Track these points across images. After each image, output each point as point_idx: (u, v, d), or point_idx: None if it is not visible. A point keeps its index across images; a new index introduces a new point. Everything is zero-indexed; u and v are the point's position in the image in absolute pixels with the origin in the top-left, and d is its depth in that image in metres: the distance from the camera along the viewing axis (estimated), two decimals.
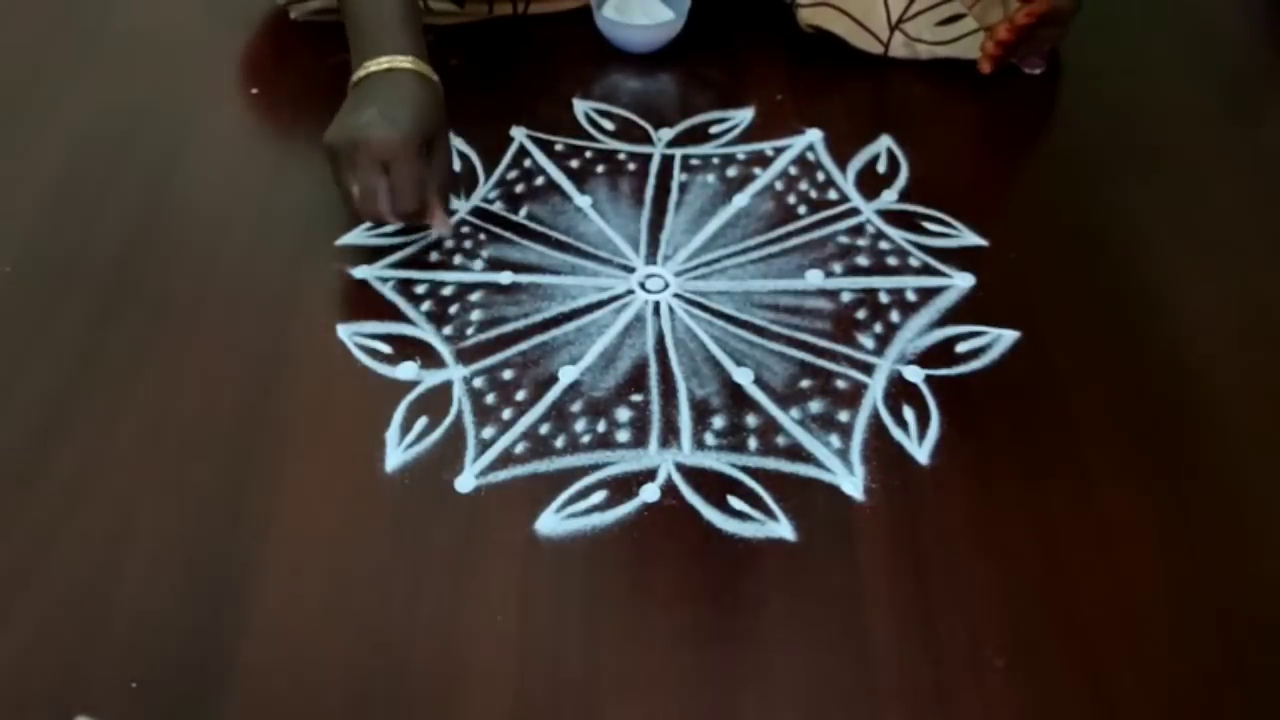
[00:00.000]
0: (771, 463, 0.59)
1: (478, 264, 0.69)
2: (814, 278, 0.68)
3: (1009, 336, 0.65)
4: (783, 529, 0.56)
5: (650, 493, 0.57)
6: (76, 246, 0.69)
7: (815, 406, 0.61)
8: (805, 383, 0.62)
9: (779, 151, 0.76)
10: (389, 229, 0.70)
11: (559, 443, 0.60)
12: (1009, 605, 0.53)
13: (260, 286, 0.67)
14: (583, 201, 0.73)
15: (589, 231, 0.71)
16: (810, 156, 0.76)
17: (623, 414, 0.61)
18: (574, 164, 0.75)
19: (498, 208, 0.72)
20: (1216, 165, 0.76)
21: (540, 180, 0.74)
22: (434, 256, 0.69)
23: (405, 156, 0.62)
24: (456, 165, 0.74)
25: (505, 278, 0.68)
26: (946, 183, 0.74)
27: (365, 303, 0.66)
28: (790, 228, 0.71)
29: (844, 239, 0.70)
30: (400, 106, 0.62)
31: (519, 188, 0.73)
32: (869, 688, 0.51)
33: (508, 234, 0.70)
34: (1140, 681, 0.51)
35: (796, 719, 0.50)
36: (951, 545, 0.56)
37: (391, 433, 0.60)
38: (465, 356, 0.64)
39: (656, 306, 0.66)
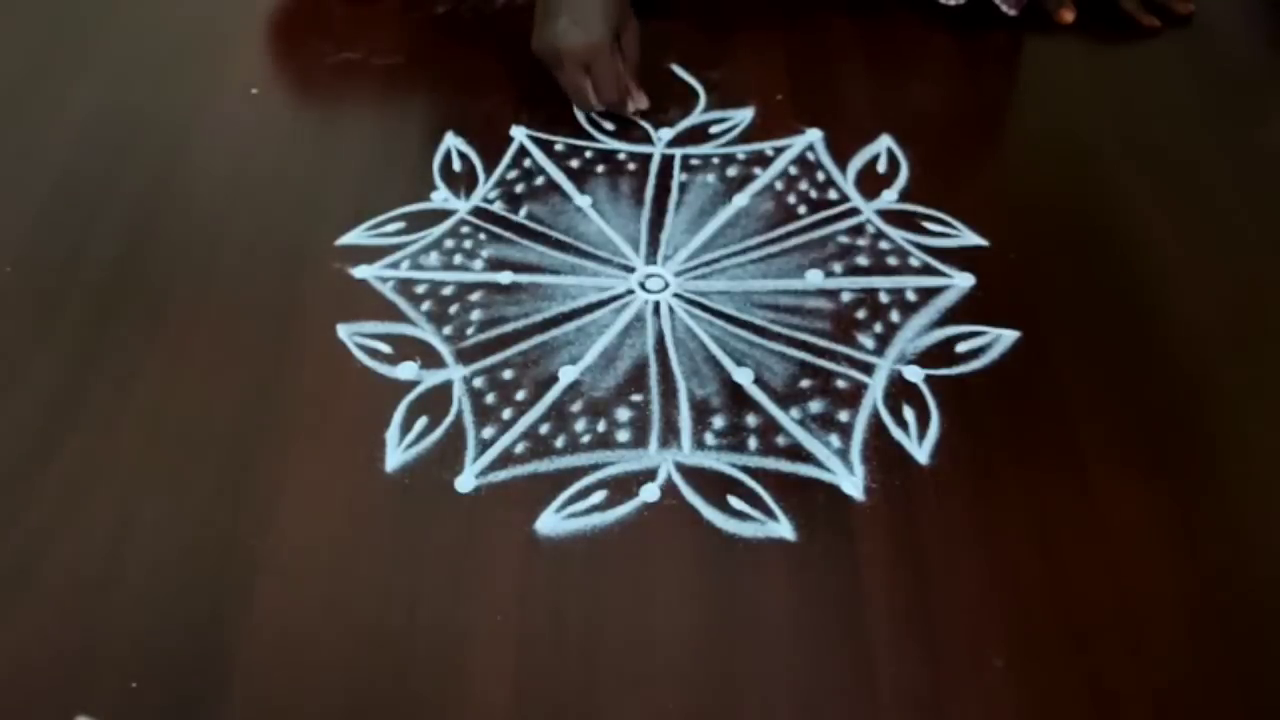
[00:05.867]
0: (771, 463, 0.59)
1: (478, 264, 0.69)
2: (814, 278, 0.68)
3: (1009, 336, 0.65)
4: (783, 529, 0.56)
5: (650, 493, 0.57)
6: (76, 246, 0.69)
7: (815, 406, 0.61)
8: (805, 383, 0.62)
9: (779, 151, 0.76)
10: (390, 228, 0.70)
11: (559, 443, 0.60)
12: (1009, 605, 0.53)
13: (260, 286, 0.67)
14: (583, 201, 0.73)
15: (589, 231, 0.71)
16: (810, 156, 0.76)
17: (623, 414, 0.61)
18: (574, 164, 0.75)
19: (498, 208, 0.72)
20: (1216, 165, 0.76)
21: (540, 180, 0.74)
22: (434, 257, 0.69)
23: (601, 56, 0.72)
24: (457, 166, 0.75)
25: (505, 278, 0.68)
26: (946, 183, 0.74)
27: (365, 303, 0.66)
28: (790, 228, 0.71)
29: (844, 239, 0.70)
30: (588, 10, 0.71)
31: (519, 188, 0.73)
32: (869, 687, 0.51)
33: (508, 234, 0.70)
34: (1140, 681, 0.51)
35: (796, 719, 0.50)
36: (951, 545, 0.56)
37: (391, 433, 0.60)
38: (465, 356, 0.64)
39: (656, 306, 0.66)
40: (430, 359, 0.63)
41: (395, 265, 0.68)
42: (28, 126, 0.78)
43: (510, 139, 0.77)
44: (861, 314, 0.66)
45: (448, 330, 0.65)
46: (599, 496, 0.57)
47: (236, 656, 0.51)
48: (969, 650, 0.52)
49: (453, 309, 0.66)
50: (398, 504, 0.57)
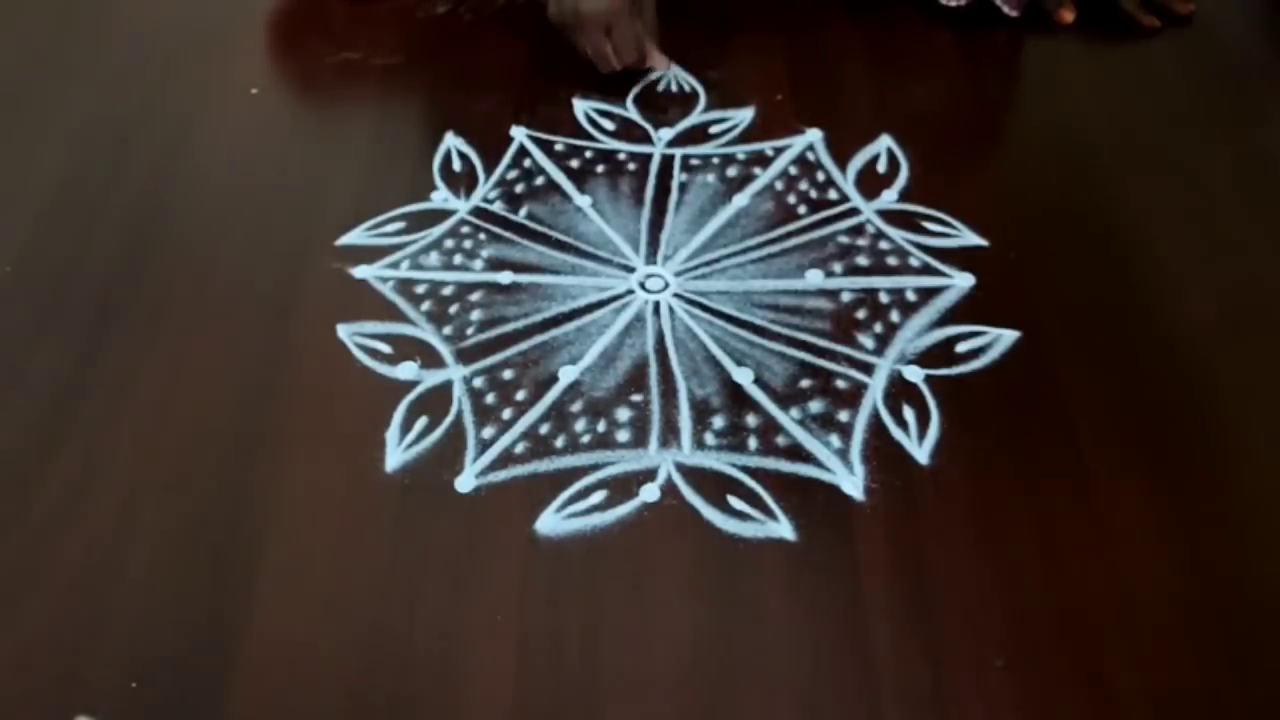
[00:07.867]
0: (771, 463, 0.59)
1: (478, 264, 0.69)
2: (814, 278, 0.68)
3: (1009, 336, 0.65)
4: (783, 529, 0.56)
5: (650, 493, 0.57)
6: (76, 246, 0.69)
7: (815, 406, 0.61)
8: (805, 383, 0.62)
9: (779, 151, 0.76)
10: (390, 228, 0.70)
11: (559, 443, 0.60)
12: (1009, 605, 0.53)
13: (260, 286, 0.67)
14: (583, 201, 0.73)
15: (589, 231, 0.71)
16: (810, 156, 0.76)
17: (623, 414, 0.61)
18: (574, 164, 0.75)
19: (498, 208, 0.72)
20: (1216, 165, 0.76)
21: (540, 180, 0.74)
22: (434, 257, 0.69)
23: (621, 18, 0.75)
24: (457, 166, 0.75)
25: (505, 278, 0.68)
26: (946, 183, 0.74)
27: (365, 303, 0.66)
28: (790, 228, 0.71)
29: (844, 239, 0.70)
30: None
31: (519, 188, 0.73)
32: (869, 687, 0.51)
33: (508, 234, 0.70)
34: (1140, 681, 0.51)
35: (796, 719, 0.50)
36: (951, 545, 0.56)
37: (391, 433, 0.60)
38: (465, 356, 0.64)
39: (656, 306, 0.66)
40: (430, 359, 0.63)
41: (395, 265, 0.68)
42: (28, 126, 0.78)
43: (510, 139, 0.77)
44: (861, 314, 0.66)
45: (448, 330, 0.65)
46: (599, 496, 0.57)
47: (236, 656, 0.51)
48: (969, 650, 0.52)
49: (453, 309, 0.66)
50: (398, 504, 0.57)
